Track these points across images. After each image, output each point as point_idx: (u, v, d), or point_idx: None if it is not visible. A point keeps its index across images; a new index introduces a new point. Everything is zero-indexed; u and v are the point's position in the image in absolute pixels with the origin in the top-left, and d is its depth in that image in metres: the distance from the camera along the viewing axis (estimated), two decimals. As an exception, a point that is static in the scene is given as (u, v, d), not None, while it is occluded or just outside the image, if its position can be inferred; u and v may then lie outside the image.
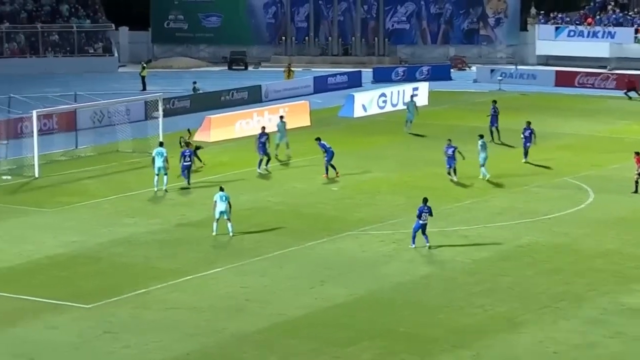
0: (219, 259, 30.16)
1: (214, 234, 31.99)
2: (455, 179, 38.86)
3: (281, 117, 44.24)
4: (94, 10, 76.32)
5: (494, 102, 47.62)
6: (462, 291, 27.46)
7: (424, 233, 30.84)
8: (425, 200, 30.98)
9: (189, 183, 38.51)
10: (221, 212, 31.71)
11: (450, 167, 39.13)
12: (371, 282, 28.15)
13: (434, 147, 42.21)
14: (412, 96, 49.00)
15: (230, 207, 31.78)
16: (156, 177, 37.46)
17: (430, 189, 37.93)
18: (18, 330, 24.69)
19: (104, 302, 26.44)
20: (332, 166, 39.57)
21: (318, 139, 40.23)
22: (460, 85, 66.05)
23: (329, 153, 39.59)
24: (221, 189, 32.15)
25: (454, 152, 38.97)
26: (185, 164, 38.51)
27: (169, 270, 29.10)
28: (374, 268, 29.43)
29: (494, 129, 46.16)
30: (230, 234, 31.96)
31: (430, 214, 30.77)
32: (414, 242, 30.92)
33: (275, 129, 43.68)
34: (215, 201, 31.69)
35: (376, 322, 25.30)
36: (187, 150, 39.02)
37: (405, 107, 50.38)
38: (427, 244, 30.89)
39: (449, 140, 39.32)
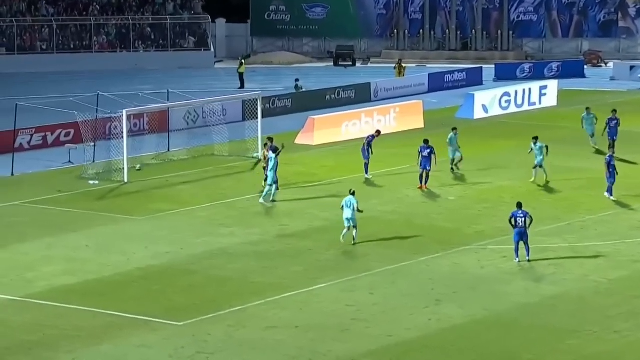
0: (323, 274, 30.38)
1: (342, 240, 32.53)
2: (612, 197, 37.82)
3: (454, 129, 42.58)
4: (189, 1, 77.71)
5: (614, 111, 45.77)
6: (596, 314, 27.11)
7: (525, 243, 30.80)
8: (519, 205, 30.97)
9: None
10: (347, 219, 32.26)
11: (613, 182, 37.61)
12: (492, 302, 28.01)
13: (565, 153, 41.79)
14: (587, 108, 47.99)
15: (355, 212, 32.26)
16: (268, 188, 37.77)
17: (561, 199, 37.61)
18: (106, 348, 25.29)
19: (197, 319, 26.89)
20: (426, 176, 39.44)
21: (426, 141, 40.19)
22: (594, 84, 65.09)
23: (428, 161, 39.46)
24: (352, 193, 32.69)
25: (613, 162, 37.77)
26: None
27: (268, 285, 29.44)
28: (494, 286, 29.28)
29: (612, 141, 43.75)
30: (354, 241, 32.56)
31: (530, 220, 30.64)
32: (517, 256, 30.91)
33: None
34: (342, 206, 32.46)
35: (498, 347, 25.16)
36: (272, 145, 38.95)
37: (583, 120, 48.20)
38: (527, 258, 30.88)
39: (612, 150, 38.98)
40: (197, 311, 27.37)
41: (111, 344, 25.45)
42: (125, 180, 41.12)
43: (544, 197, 37.28)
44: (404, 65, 66.70)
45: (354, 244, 32.39)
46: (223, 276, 30.45)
